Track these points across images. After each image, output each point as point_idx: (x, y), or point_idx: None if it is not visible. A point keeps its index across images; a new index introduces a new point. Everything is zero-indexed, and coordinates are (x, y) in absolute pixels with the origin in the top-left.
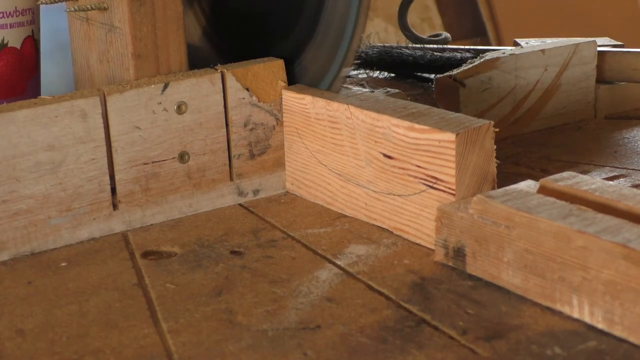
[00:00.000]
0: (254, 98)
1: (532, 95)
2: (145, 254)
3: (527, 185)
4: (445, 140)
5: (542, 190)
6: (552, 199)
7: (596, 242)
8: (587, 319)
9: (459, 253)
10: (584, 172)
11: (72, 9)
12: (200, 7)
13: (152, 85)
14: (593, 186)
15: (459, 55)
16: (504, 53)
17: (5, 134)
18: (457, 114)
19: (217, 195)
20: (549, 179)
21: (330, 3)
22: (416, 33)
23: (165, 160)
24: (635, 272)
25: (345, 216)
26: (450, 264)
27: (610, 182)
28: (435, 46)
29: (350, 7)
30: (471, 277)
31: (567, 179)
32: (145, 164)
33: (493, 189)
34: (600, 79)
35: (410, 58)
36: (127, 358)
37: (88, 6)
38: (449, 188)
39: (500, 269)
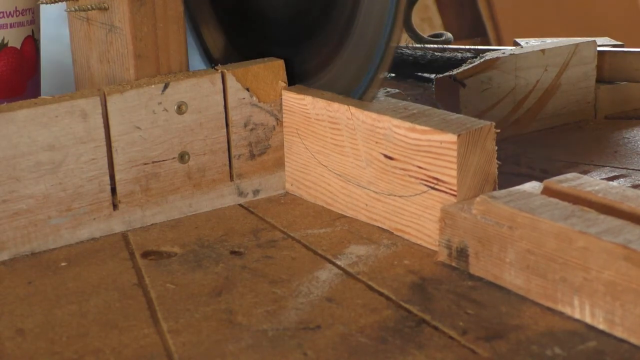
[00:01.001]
0: (254, 98)
1: (532, 95)
2: (145, 254)
3: (532, 186)
4: (447, 141)
5: (546, 191)
6: (555, 200)
7: (597, 242)
8: (588, 319)
9: (462, 253)
10: (584, 172)
11: (72, 9)
12: (224, 15)
13: (153, 86)
14: (597, 187)
15: (459, 55)
16: (504, 53)
17: (6, 133)
18: (458, 115)
19: (217, 195)
20: (553, 180)
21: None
22: (420, 33)
23: (166, 160)
24: (635, 273)
25: (345, 217)
26: (453, 264)
27: (614, 184)
28: (435, 46)
29: (385, 11)
30: (471, 278)
31: (571, 180)
32: (146, 164)
33: (494, 189)
34: (600, 79)
35: (411, 58)
36: (127, 358)
37: (88, 6)
38: (450, 189)
39: (502, 270)
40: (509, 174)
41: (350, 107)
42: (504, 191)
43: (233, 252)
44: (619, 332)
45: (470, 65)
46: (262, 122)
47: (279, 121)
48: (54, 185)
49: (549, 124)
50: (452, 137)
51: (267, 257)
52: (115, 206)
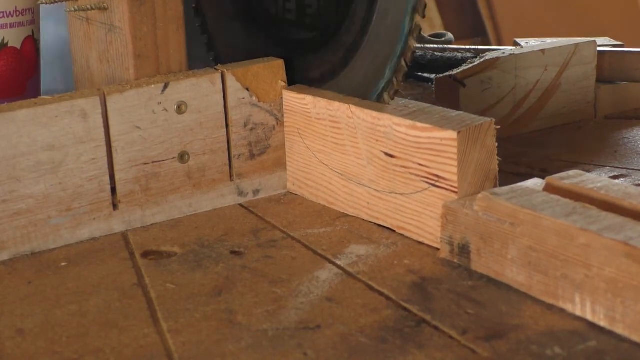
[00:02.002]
0: (254, 98)
1: (532, 95)
2: (145, 254)
3: (534, 183)
4: (447, 138)
5: (548, 188)
6: (556, 197)
7: (598, 239)
8: (589, 316)
9: (463, 250)
10: None
11: (72, 9)
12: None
13: (152, 85)
14: (599, 184)
15: (459, 55)
16: (504, 53)
17: (6, 133)
18: (458, 112)
19: (217, 195)
20: (555, 177)
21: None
22: (422, 34)
23: (165, 160)
24: (636, 270)
25: (345, 216)
26: (455, 260)
27: (616, 181)
28: (435, 46)
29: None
30: (471, 277)
31: (573, 177)
32: (145, 164)
33: (495, 186)
34: (600, 79)
35: None
36: (127, 358)
37: (88, 6)
38: (451, 186)
39: (504, 266)
40: (509, 173)
41: (351, 106)
42: (505, 188)
43: (233, 252)
44: (619, 329)
45: (470, 65)
46: (262, 121)
47: (279, 121)
48: (54, 185)
49: (549, 124)
50: (453, 134)
51: (267, 257)
52: (115, 206)
